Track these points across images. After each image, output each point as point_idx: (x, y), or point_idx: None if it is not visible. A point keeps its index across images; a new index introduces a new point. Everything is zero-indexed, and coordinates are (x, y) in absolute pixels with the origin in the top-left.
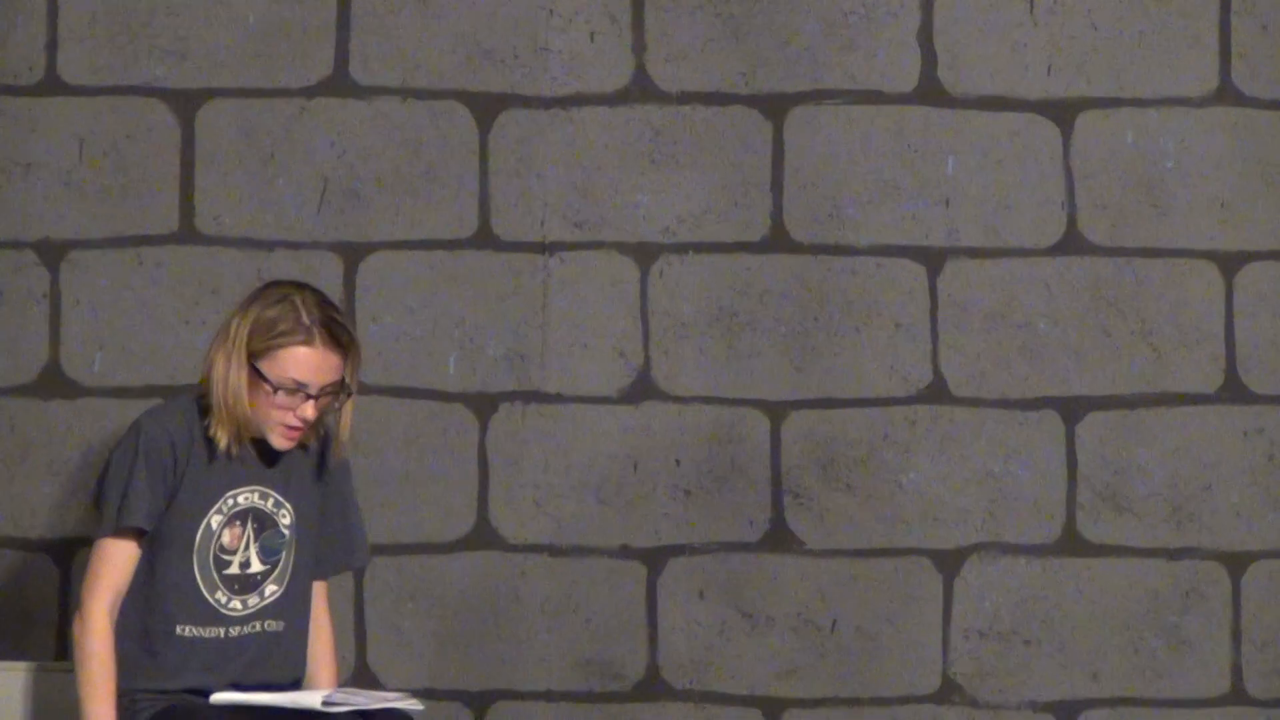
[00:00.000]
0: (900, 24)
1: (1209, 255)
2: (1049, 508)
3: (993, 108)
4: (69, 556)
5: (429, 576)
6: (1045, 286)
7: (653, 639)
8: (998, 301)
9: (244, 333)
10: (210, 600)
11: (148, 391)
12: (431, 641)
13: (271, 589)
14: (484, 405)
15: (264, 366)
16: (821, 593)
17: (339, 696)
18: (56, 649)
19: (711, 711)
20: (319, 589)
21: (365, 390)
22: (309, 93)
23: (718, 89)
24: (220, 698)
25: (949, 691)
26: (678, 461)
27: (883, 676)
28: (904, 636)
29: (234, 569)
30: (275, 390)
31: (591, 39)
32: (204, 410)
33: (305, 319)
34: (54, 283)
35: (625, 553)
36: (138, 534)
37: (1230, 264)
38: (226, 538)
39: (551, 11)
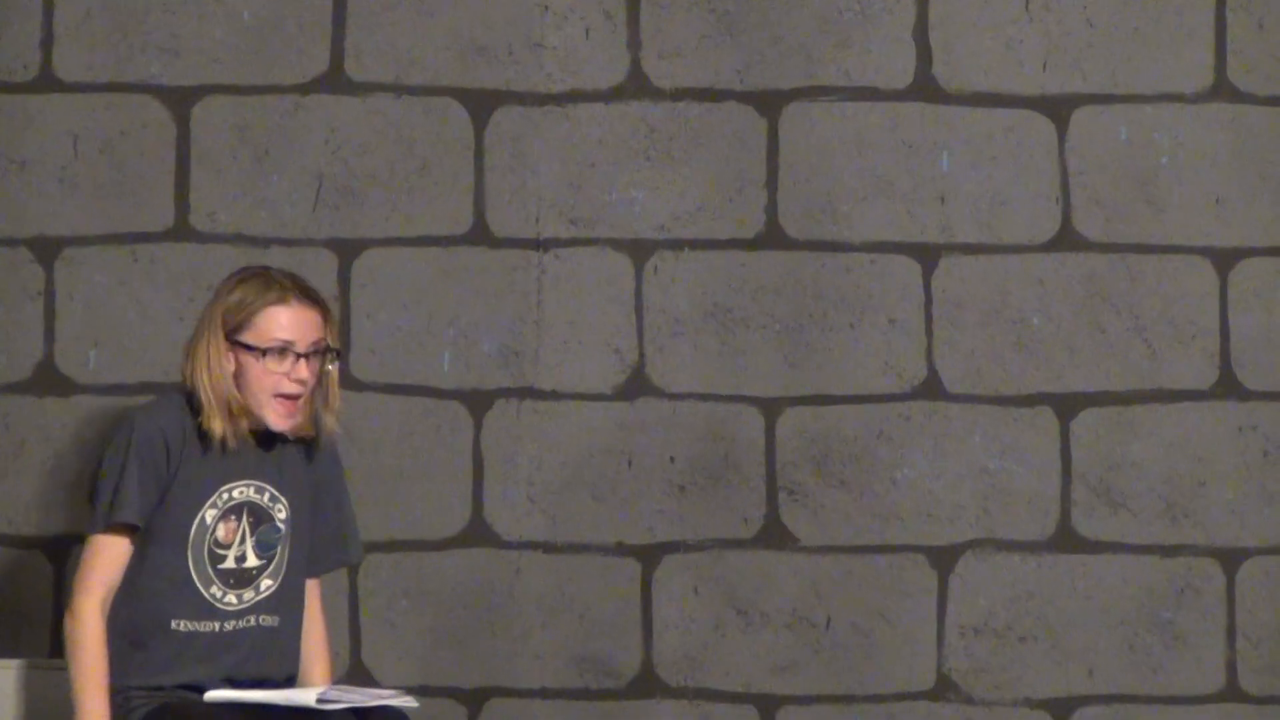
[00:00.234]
0: (895, 20)
1: (1203, 251)
2: (1044, 504)
3: (987, 104)
4: (63, 554)
5: (423, 573)
6: (1040, 283)
7: (647, 636)
8: (992, 298)
9: (218, 318)
10: (205, 595)
11: (142, 389)
12: (426, 638)
13: (267, 584)
14: (478, 402)
15: (247, 338)
16: (816, 589)
17: (333, 694)
18: (50, 646)
19: (706, 708)
20: (313, 587)
21: (360, 387)
22: (304, 89)
23: (712, 85)
24: (215, 695)
25: (944, 688)
26: (672, 458)
27: (877, 673)
28: (899, 633)
29: (229, 563)
30: (264, 354)
31: (586, 36)
32: (196, 408)
33: (274, 282)
34: (48, 280)
35: (620, 549)
36: (129, 530)
37: (1225, 260)
38: (221, 532)
39: (546, 8)
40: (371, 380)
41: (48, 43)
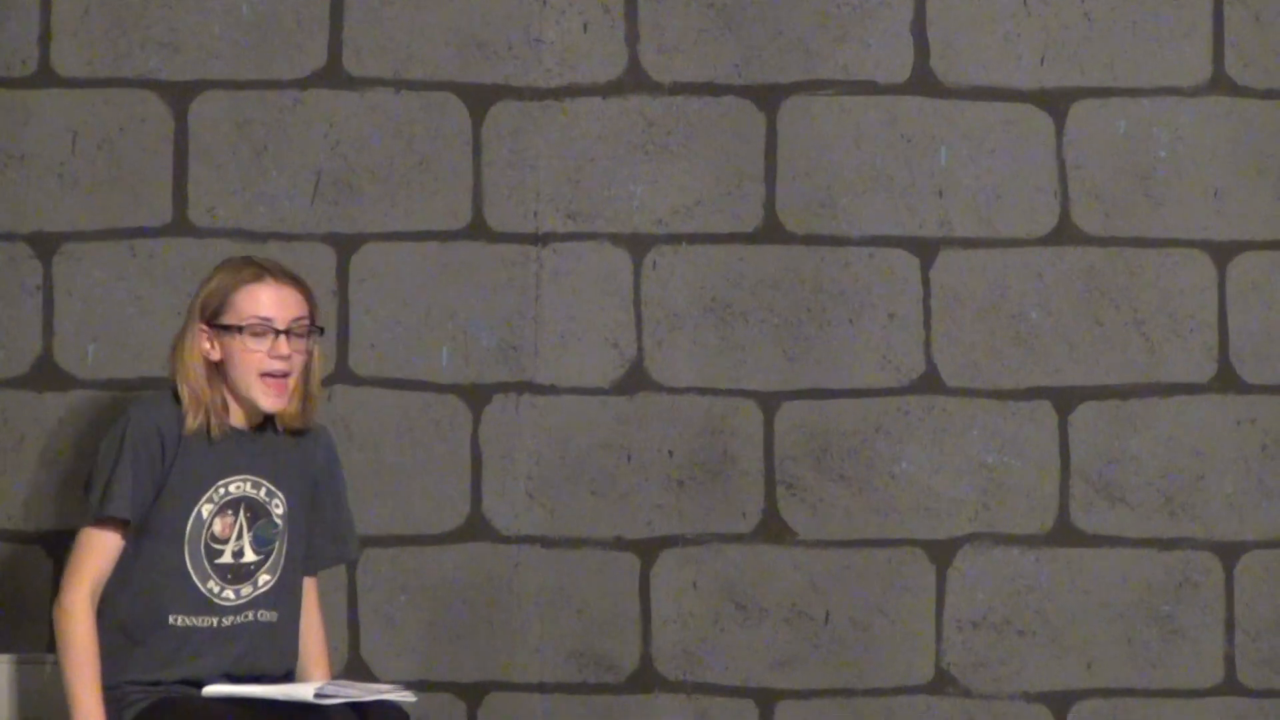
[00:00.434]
0: (893, 14)
1: (1202, 245)
2: (1042, 498)
3: (985, 98)
4: (61, 549)
5: (422, 568)
6: (1038, 276)
7: (646, 630)
8: (990, 292)
9: (197, 309)
10: (202, 589)
11: (140, 383)
12: (424, 633)
13: (265, 579)
14: (477, 396)
15: (227, 319)
16: (814, 583)
17: (331, 689)
18: (48, 641)
19: (704, 702)
20: (310, 584)
21: (359, 381)
22: (302, 84)
23: (711, 80)
24: (212, 690)
25: (942, 682)
26: (671, 452)
27: (876, 667)
28: (897, 627)
29: (226, 558)
30: (242, 332)
31: (585, 30)
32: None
33: (251, 264)
34: (47, 275)
35: (618, 544)
36: (121, 523)
37: (1223, 254)
38: (218, 526)
39: (544, 2)
40: (370, 375)
41: (46, 38)
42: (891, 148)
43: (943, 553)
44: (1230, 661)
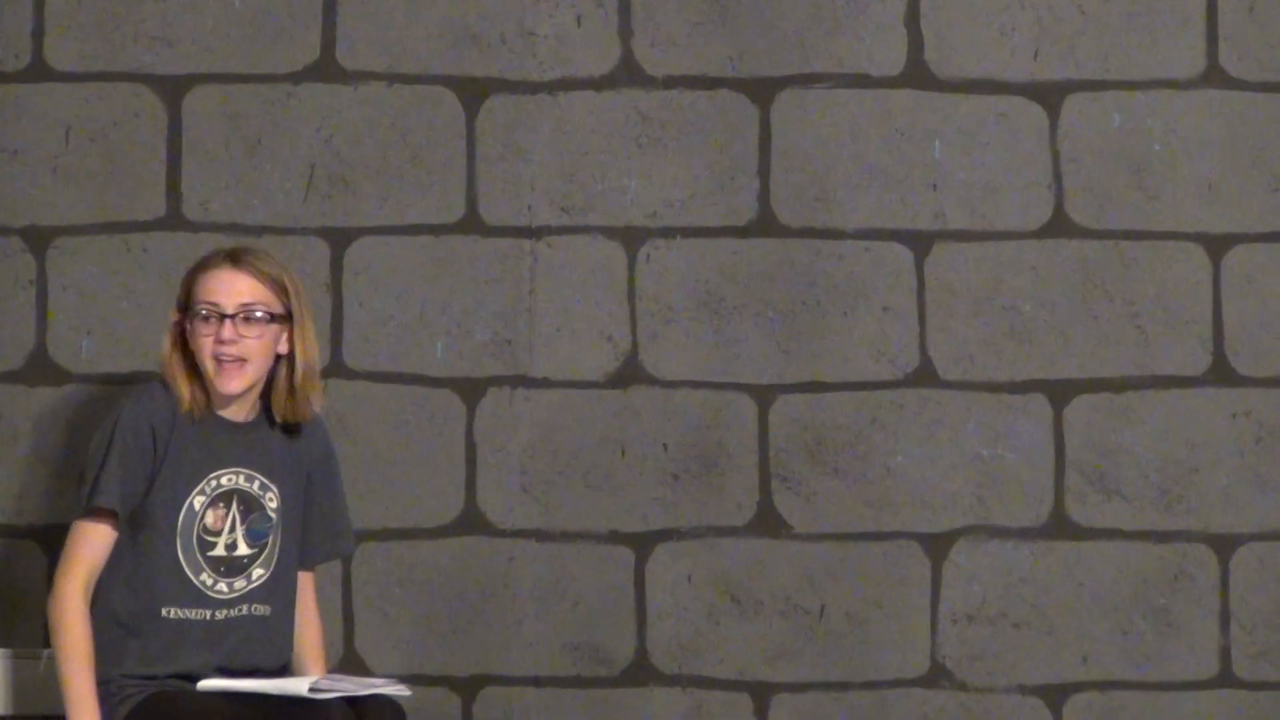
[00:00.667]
0: (887, 7)
1: (1196, 238)
2: (1037, 491)
3: (979, 91)
4: (56, 543)
5: (416, 562)
6: (1032, 269)
7: (641, 624)
8: (985, 284)
9: (176, 300)
10: (195, 582)
11: (135, 377)
12: (419, 627)
13: (259, 572)
14: (471, 390)
15: (189, 305)
16: (810, 577)
17: (326, 683)
18: (43, 636)
19: (700, 696)
20: (306, 579)
21: (352, 375)
22: (295, 78)
23: (704, 73)
24: (207, 684)
25: (938, 675)
26: (665, 446)
27: (871, 660)
28: (892, 620)
29: (219, 551)
30: (195, 316)
31: (578, 23)
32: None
33: (215, 253)
34: (41, 269)
35: (613, 537)
36: (111, 515)
37: (1217, 246)
38: (210, 519)
39: None
40: (364, 369)
41: (39, 32)
42: (885, 141)
43: (938, 546)
44: (1225, 654)
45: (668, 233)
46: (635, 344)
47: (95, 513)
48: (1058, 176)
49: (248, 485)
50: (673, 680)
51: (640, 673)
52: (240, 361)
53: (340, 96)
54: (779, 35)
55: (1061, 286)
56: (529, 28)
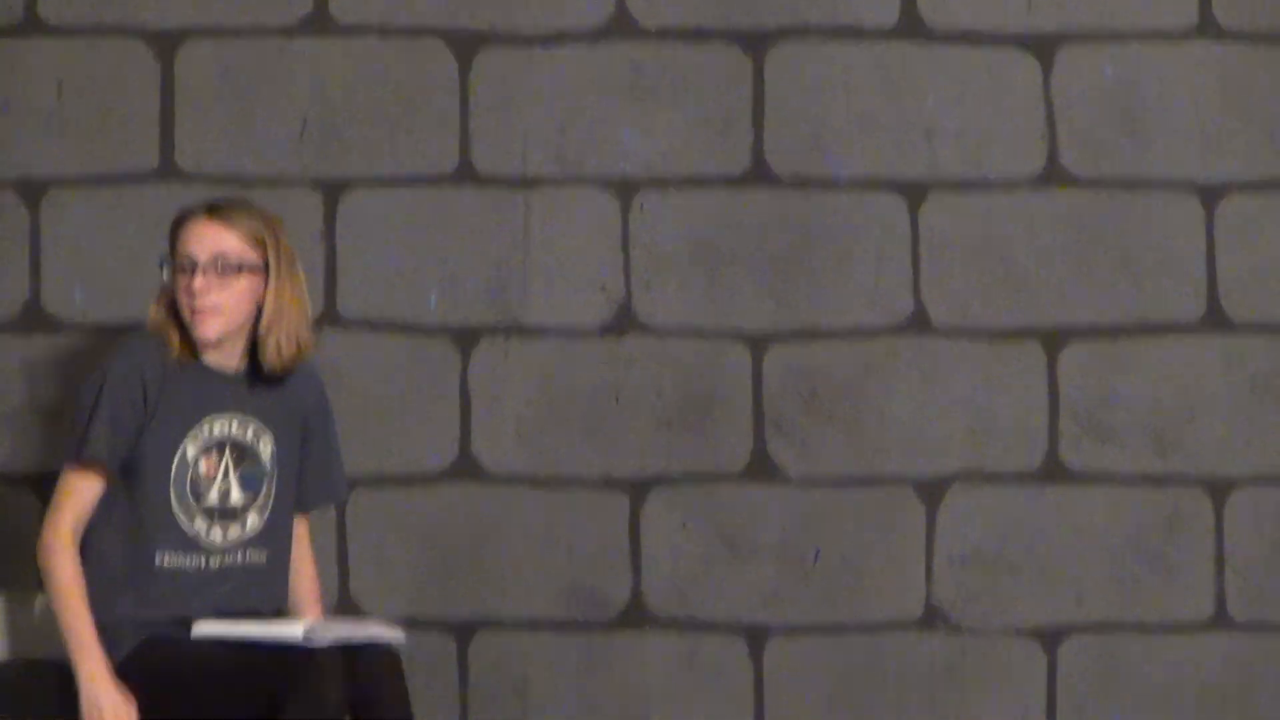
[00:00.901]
0: None
1: (1189, 186)
2: (1031, 437)
3: (973, 42)
4: (48, 489)
5: (412, 508)
6: (1026, 219)
7: (636, 568)
8: (979, 234)
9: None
10: (189, 529)
11: (128, 327)
12: (414, 572)
13: (253, 520)
14: (466, 338)
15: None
16: (804, 522)
17: (320, 627)
18: (37, 579)
19: (695, 640)
20: (301, 524)
21: (347, 325)
22: (289, 31)
23: (698, 25)
24: (202, 629)
25: (932, 618)
26: (659, 393)
27: (866, 604)
28: (887, 564)
29: (213, 499)
30: (175, 268)
31: None
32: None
33: (195, 206)
34: (34, 220)
35: (608, 483)
36: (100, 465)
37: (1211, 195)
38: (203, 467)
39: None
40: (358, 318)
41: None
42: (879, 92)
43: (932, 491)
44: (1220, 597)
45: (661, 183)
46: (629, 293)
47: (84, 463)
48: (1051, 127)
49: (240, 432)
50: (668, 624)
51: (635, 617)
52: (207, 309)
53: (334, 49)
54: None
55: (1055, 235)
56: None
